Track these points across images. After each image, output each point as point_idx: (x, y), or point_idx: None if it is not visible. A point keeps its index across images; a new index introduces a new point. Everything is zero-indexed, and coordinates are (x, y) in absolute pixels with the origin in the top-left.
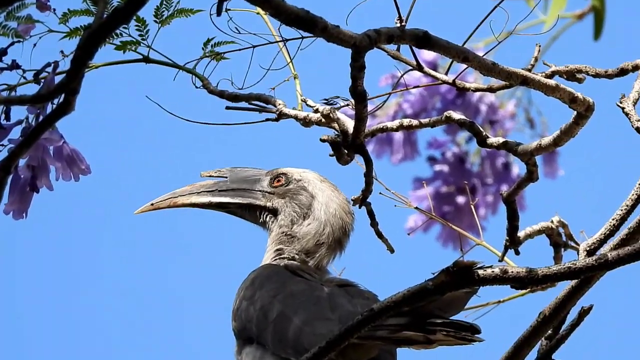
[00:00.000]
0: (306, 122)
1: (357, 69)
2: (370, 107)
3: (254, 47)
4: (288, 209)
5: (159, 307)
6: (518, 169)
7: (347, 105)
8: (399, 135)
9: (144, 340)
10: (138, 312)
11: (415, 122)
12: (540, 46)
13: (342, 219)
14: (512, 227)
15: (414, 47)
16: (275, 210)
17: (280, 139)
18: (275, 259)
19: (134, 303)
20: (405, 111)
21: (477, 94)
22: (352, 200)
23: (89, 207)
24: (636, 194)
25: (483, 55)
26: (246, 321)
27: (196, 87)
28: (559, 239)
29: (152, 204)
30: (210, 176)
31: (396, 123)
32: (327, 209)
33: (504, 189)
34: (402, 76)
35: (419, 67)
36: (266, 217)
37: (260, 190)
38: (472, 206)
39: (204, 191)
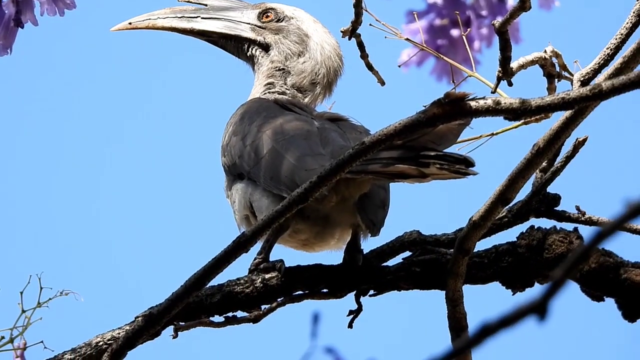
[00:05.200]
0: None
1: None
2: None
3: None
4: (283, 45)
5: (143, 135)
6: (513, 1)
7: None
8: None
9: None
10: (124, 139)
11: None
12: None
13: (335, 62)
14: (505, 58)
15: None
16: (267, 45)
17: None
18: (265, 93)
19: (117, 132)
20: None
21: None
22: (341, 31)
23: (73, 40)
24: (630, 22)
25: None
26: (236, 157)
27: None
28: (552, 70)
29: (129, 23)
30: (188, 1)
31: None
32: (323, 50)
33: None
34: None
35: None
36: (255, 51)
37: (247, 23)
38: (464, 38)
39: (185, 17)
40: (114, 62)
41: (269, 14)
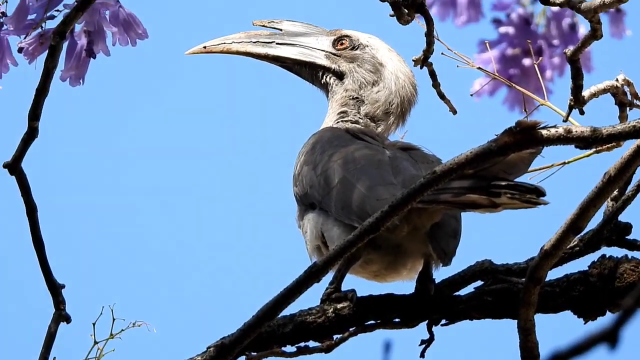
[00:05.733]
0: None
1: None
2: None
3: None
4: (357, 73)
5: (218, 164)
6: (585, 29)
7: None
8: None
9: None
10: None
11: None
12: None
13: (409, 91)
14: (576, 87)
15: None
16: (341, 73)
17: (339, 1)
18: (338, 122)
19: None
20: None
21: None
22: (413, 60)
23: (145, 69)
24: None
25: None
26: (308, 186)
27: None
28: (624, 98)
29: (204, 47)
30: (263, 26)
31: None
32: (397, 79)
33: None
34: None
35: None
36: (329, 79)
37: (322, 50)
38: (535, 67)
39: (260, 41)
40: (186, 87)
41: (344, 42)
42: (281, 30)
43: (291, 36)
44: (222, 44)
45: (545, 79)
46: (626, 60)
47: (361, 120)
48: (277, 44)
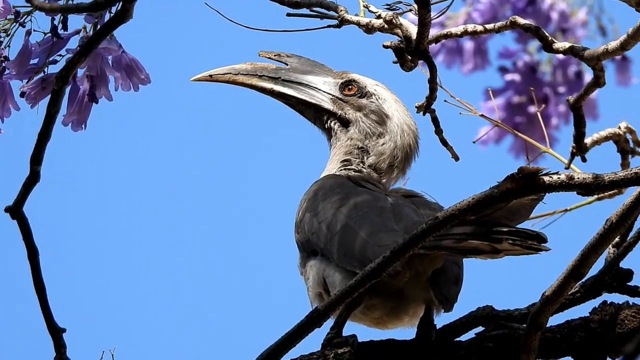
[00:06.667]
0: (369, 29)
1: None
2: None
3: None
4: (363, 124)
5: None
6: (590, 77)
7: (410, 10)
8: (469, 45)
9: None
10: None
11: (479, 27)
12: None
13: (413, 145)
14: (579, 134)
15: None
16: (347, 120)
17: (342, 46)
18: (341, 170)
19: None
20: (475, 20)
21: (548, 1)
22: (416, 107)
23: (147, 116)
24: None
25: None
26: (310, 233)
27: None
28: (626, 145)
29: (210, 75)
30: (269, 58)
31: (460, 29)
32: (403, 133)
33: None
34: None
35: None
36: (333, 124)
37: (329, 94)
38: (539, 115)
39: (266, 75)
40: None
41: (352, 87)
42: (287, 64)
43: (298, 73)
44: (228, 73)
45: (551, 126)
46: (633, 107)
47: (364, 170)
48: (283, 80)
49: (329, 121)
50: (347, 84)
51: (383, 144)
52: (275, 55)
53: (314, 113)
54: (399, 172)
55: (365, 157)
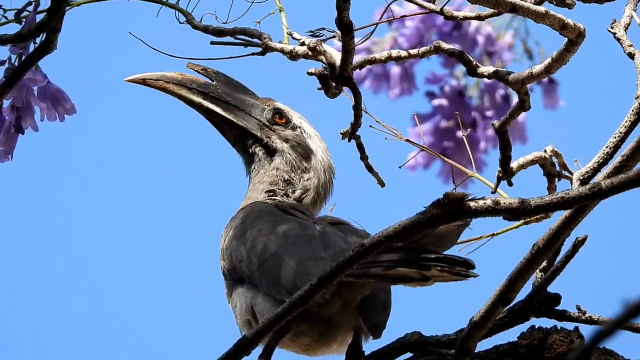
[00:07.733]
0: (293, 56)
1: None
2: (360, 40)
3: None
4: (289, 156)
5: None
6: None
7: (334, 37)
8: (396, 70)
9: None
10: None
11: (403, 52)
12: None
13: (331, 180)
14: (505, 158)
15: None
16: (273, 149)
17: (267, 74)
18: (266, 199)
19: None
20: (401, 45)
21: (474, 25)
22: (341, 133)
23: (74, 146)
24: (629, 120)
25: None
26: (237, 261)
27: (180, 23)
28: (552, 169)
29: (143, 79)
30: (197, 71)
31: (384, 54)
32: (324, 171)
33: None
34: (388, 6)
35: None
36: (258, 150)
37: (256, 118)
38: (464, 139)
39: (195, 88)
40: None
41: (283, 117)
42: (213, 81)
43: (226, 91)
44: (160, 80)
45: (479, 150)
46: (561, 130)
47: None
48: (212, 96)
49: (253, 146)
50: (277, 113)
51: (308, 179)
52: (202, 70)
53: (238, 135)
54: (320, 206)
55: (289, 191)
